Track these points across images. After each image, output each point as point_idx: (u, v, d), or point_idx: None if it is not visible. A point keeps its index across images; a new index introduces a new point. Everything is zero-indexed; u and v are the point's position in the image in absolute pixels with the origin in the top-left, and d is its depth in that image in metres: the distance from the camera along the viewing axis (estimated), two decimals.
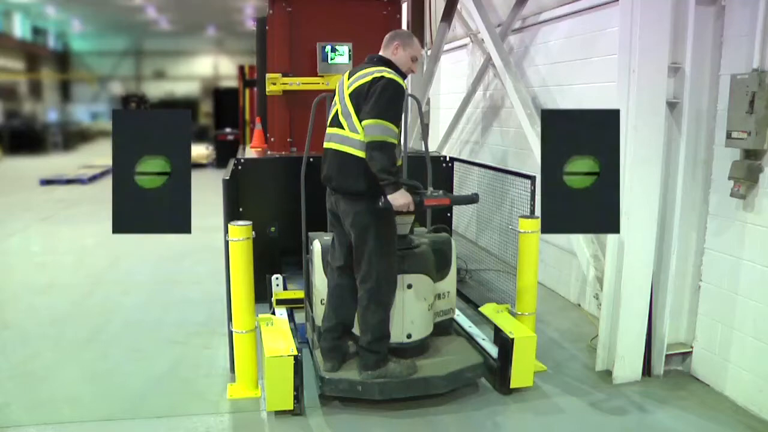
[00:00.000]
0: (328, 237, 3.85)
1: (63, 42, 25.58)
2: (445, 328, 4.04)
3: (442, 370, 3.59)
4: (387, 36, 3.58)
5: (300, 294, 4.45)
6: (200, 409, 3.56)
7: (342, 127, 3.44)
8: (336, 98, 3.60)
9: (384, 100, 3.26)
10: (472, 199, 3.63)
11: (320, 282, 3.81)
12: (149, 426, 3.40)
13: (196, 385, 3.84)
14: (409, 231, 3.75)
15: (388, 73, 3.33)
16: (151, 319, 4.95)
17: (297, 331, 4.05)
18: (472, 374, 3.72)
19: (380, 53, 3.55)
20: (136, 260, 6.74)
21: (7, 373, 3.99)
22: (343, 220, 3.51)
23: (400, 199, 3.25)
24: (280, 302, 4.49)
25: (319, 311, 3.80)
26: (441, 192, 3.49)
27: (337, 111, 3.53)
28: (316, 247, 3.85)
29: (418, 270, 3.68)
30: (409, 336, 3.68)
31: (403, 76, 3.47)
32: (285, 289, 4.68)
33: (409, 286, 3.64)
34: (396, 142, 3.29)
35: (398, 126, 3.33)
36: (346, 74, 3.59)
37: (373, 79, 3.32)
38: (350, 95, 3.42)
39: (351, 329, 3.68)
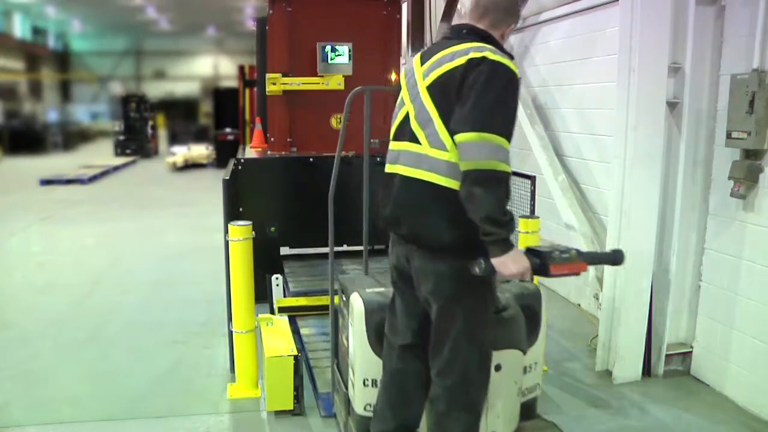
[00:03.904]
0: (369, 288, 2.88)
1: (63, 42, 25.62)
2: (528, 408, 3.01)
3: None
4: None
5: (303, 301, 4.31)
6: (200, 409, 3.55)
7: (417, 141, 2.32)
8: (403, 94, 2.45)
9: (491, 99, 2.14)
10: (615, 260, 2.44)
11: (363, 356, 2.79)
12: (149, 426, 3.40)
13: (196, 385, 3.84)
14: None
15: (492, 53, 2.19)
16: (151, 319, 4.95)
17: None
18: None
19: (467, 21, 2.38)
20: (136, 260, 6.74)
21: (7, 373, 3.99)
22: (417, 282, 2.42)
23: (512, 266, 2.15)
24: (282, 309, 4.33)
25: (361, 396, 2.82)
26: (573, 251, 2.30)
27: (407, 115, 2.39)
28: (357, 305, 2.81)
29: (510, 343, 2.70)
30: None
31: (511, 57, 2.28)
32: (286, 288, 4.64)
33: (498, 368, 2.62)
34: (510, 170, 2.17)
35: (511, 139, 2.19)
36: (417, 57, 2.45)
37: (470, 61, 2.18)
38: (430, 89, 2.30)
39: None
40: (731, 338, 3.69)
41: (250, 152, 5.80)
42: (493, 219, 2.10)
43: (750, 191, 3.50)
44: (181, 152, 16.34)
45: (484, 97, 2.13)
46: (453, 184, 2.20)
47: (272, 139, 5.65)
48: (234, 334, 3.66)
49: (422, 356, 2.49)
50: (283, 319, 3.96)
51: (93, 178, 13.41)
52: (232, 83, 16.64)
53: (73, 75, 26.39)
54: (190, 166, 15.62)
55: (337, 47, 5.27)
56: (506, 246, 2.14)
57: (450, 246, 2.26)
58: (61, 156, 19.25)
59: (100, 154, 18.50)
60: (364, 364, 2.79)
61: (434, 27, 7.94)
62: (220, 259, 3.75)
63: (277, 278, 4.61)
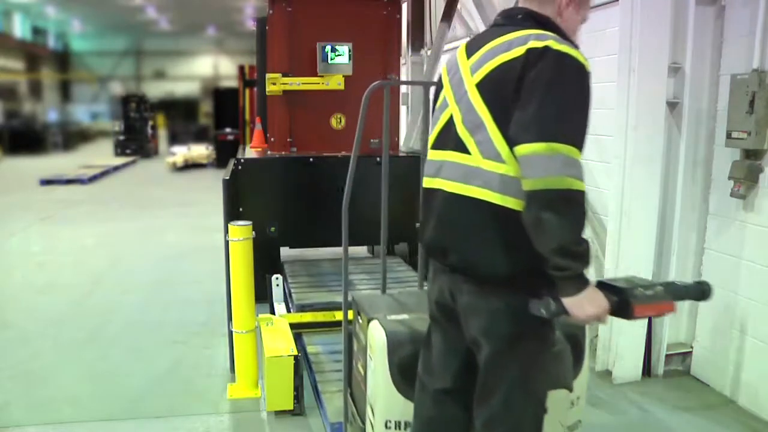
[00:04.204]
0: (390, 314, 2.57)
1: (63, 42, 25.66)
2: None
3: None
4: None
5: (309, 317, 4.14)
6: (200, 409, 3.55)
7: (465, 150, 1.91)
8: (446, 94, 2.03)
9: (560, 99, 1.78)
10: (703, 294, 2.03)
11: (386, 396, 2.46)
12: (149, 426, 3.40)
13: (196, 385, 3.84)
14: None
15: (556, 42, 1.80)
16: (151, 319, 4.95)
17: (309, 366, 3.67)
18: None
19: (522, 4, 1.99)
20: (136, 260, 6.74)
21: (7, 373, 3.99)
22: (464, 320, 2.01)
23: (588, 307, 1.76)
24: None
25: None
26: (658, 288, 1.90)
27: (451, 118, 1.98)
28: (378, 337, 2.47)
29: (557, 383, 2.35)
30: None
31: (576, 46, 1.89)
32: (290, 301, 4.54)
33: (545, 411, 2.26)
34: (584, 188, 1.75)
35: (583, 149, 1.81)
36: (462, 48, 2.04)
37: (530, 52, 1.79)
38: (480, 86, 1.89)
39: None
40: (731, 338, 3.69)
41: (250, 152, 5.80)
42: (567, 250, 1.70)
43: (750, 191, 3.50)
44: (181, 152, 16.37)
45: (551, 98, 1.74)
46: (509, 202, 1.80)
47: (272, 139, 5.65)
48: (234, 334, 3.66)
49: (462, 402, 2.10)
50: (284, 320, 3.96)
51: (93, 178, 13.42)
52: (232, 83, 16.65)
53: (73, 75, 26.44)
54: (190, 166, 15.65)
55: (337, 47, 5.27)
56: (581, 283, 1.74)
57: (507, 277, 1.85)
58: (61, 156, 19.29)
59: (100, 154, 18.53)
60: (386, 405, 2.46)
61: (434, 27, 7.94)
62: (220, 259, 3.75)
63: (277, 278, 4.60)
